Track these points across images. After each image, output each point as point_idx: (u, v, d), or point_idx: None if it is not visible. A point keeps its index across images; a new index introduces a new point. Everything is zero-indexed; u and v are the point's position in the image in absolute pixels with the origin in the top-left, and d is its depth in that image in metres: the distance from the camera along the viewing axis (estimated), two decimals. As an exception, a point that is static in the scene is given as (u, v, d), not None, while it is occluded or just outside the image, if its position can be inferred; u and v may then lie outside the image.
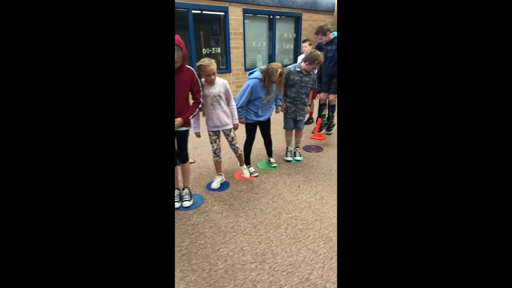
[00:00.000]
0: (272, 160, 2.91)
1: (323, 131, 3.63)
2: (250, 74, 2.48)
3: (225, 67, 5.71)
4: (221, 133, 2.44)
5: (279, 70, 2.32)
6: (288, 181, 2.59)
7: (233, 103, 2.36)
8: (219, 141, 2.44)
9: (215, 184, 2.46)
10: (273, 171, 2.80)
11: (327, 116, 3.58)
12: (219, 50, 5.58)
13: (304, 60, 2.59)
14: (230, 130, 2.40)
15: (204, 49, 5.35)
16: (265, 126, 2.71)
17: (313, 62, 2.53)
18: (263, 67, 2.40)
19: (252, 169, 2.72)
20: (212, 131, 2.36)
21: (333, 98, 3.42)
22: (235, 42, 5.62)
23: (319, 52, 2.54)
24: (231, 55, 5.62)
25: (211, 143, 2.40)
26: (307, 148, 3.37)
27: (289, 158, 3.02)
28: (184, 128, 2.11)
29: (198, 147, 3.42)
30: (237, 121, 2.42)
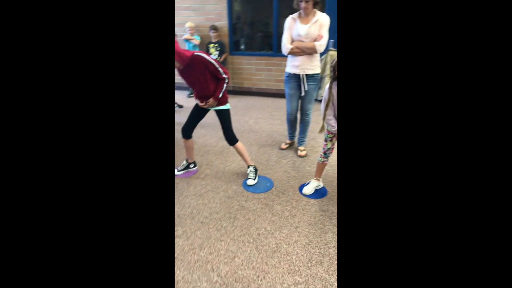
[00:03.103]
0: None
1: None
2: None
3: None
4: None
5: None
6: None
7: None
8: (335, 141, 1.95)
9: (309, 189, 2.08)
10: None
11: None
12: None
13: None
14: None
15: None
16: None
17: None
18: None
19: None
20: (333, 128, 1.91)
21: None
22: None
23: None
24: None
25: (326, 140, 1.97)
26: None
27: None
28: (221, 107, 2.10)
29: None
30: None
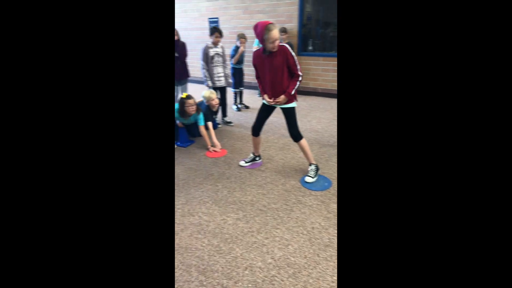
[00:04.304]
0: None
1: None
2: None
3: None
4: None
5: None
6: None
7: None
8: None
9: None
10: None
11: None
12: None
13: None
14: None
15: None
16: None
17: None
18: None
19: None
20: None
21: None
22: None
23: None
24: None
25: None
26: None
27: None
28: (289, 105, 2.17)
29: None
30: None
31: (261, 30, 1.92)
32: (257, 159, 2.60)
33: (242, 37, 3.89)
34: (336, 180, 2.28)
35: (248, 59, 5.00)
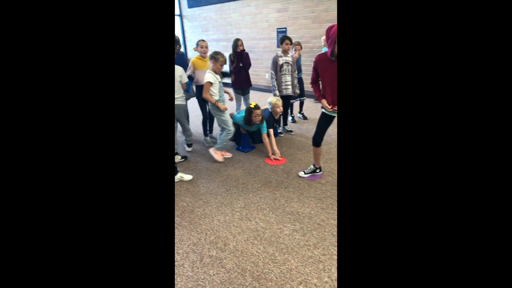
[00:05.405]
0: None
1: None
2: None
3: None
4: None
5: None
6: None
7: None
8: None
9: None
10: None
11: None
12: None
13: None
14: None
15: None
16: None
17: None
18: None
19: None
20: None
21: None
22: None
23: None
24: None
25: None
26: None
27: None
28: None
29: None
30: None
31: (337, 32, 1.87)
32: (317, 171, 2.53)
33: (297, 44, 3.85)
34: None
35: (306, 67, 4.94)
